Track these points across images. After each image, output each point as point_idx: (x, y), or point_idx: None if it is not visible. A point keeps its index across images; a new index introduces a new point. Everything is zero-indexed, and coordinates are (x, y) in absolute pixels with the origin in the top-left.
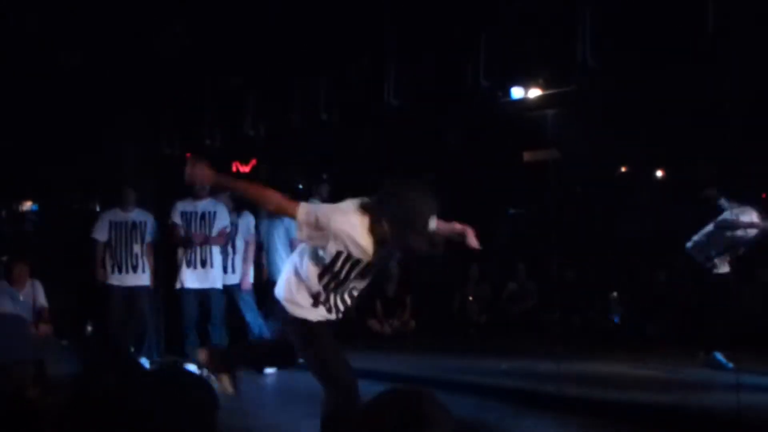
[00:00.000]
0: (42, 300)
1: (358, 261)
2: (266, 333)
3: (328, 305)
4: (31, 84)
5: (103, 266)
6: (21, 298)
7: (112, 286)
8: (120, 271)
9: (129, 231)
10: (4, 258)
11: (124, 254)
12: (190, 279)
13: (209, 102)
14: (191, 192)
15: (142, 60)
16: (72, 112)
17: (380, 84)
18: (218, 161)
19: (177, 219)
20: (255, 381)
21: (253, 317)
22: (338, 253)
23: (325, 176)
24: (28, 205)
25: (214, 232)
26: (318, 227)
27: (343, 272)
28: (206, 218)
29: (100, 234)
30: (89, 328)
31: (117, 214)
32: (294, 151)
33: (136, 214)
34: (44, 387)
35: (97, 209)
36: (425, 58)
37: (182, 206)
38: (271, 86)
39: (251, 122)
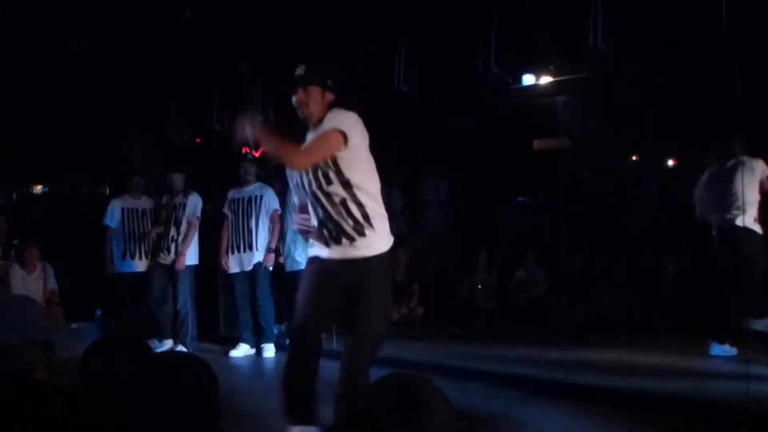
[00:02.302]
0: (52, 282)
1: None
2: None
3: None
4: (42, 69)
5: (112, 253)
6: (31, 280)
7: (123, 272)
8: (132, 257)
9: (140, 218)
10: (15, 241)
11: (136, 240)
12: (233, 264)
13: (218, 86)
14: (239, 181)
15: (152, 44)
16: (82, 97)
17: (390, 70)
18: (227, 146)
19: (226, 209)
20: (259, 364)
21: (183, 299)
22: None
23: None
24: (38, 189)
25: (262, 215)
26: None
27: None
28: (252, 203)
29: (112, 221)
30: (98, 312)
31: (128, 201)
32: (304, 136)
33: (145, 201)
34: (53, 369)
35: (107, 192)
36: (436, 44)
37: (231, 194)
38: (280, 71)
39: (260, 106)
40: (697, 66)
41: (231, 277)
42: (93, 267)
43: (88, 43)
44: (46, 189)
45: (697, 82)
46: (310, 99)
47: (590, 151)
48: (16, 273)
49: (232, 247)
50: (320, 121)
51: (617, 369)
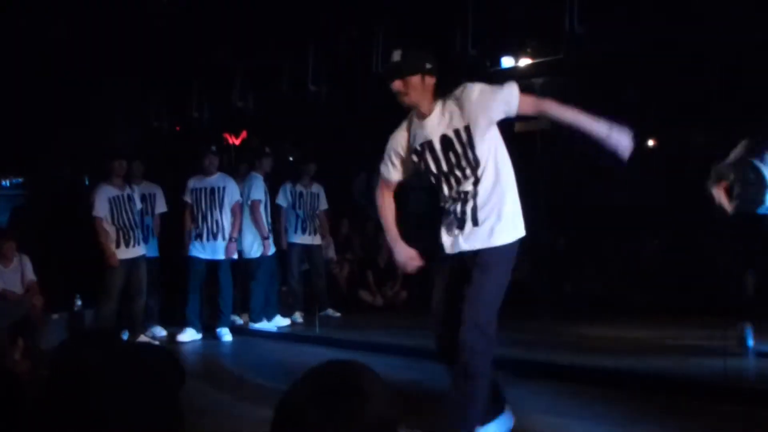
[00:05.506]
0: (30, 274)
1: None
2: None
3: (450, 212)
4: (18, 56)
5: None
6: (9, 273)
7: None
8: (119, 245)
9: (128, 204)
10: None
11: (126, 228)
12: (197, 249)
13: (197, 74)
14: (201, 168)
15: (129, 32)
16: (60, 86)
17: (368, 54)
18: (207, 133)
19: (187, 197)
20: (252, 349)
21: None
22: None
23: (268, 150)
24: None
25: (225, 206)
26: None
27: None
28: (216, 193)
29: (102, 211)
30: (78, 303)
31: (112, 190)
32: (283, 122)
33: (130, 188)
34: (34, 360)
35: (86, 183)
36: (413, 27)
37: (192, 183)
38: (259, 58)
39: (239, 94)
40: (674, 45)
41: (191, 260)
42: (73, 257)
43: (67, 31)
44: (20, 180)
45: (675, 61)
46: (410, 88)
47: (570, 132)
48: None
49: (198, 235)
50: (428, 108)
51: (600, 348)
